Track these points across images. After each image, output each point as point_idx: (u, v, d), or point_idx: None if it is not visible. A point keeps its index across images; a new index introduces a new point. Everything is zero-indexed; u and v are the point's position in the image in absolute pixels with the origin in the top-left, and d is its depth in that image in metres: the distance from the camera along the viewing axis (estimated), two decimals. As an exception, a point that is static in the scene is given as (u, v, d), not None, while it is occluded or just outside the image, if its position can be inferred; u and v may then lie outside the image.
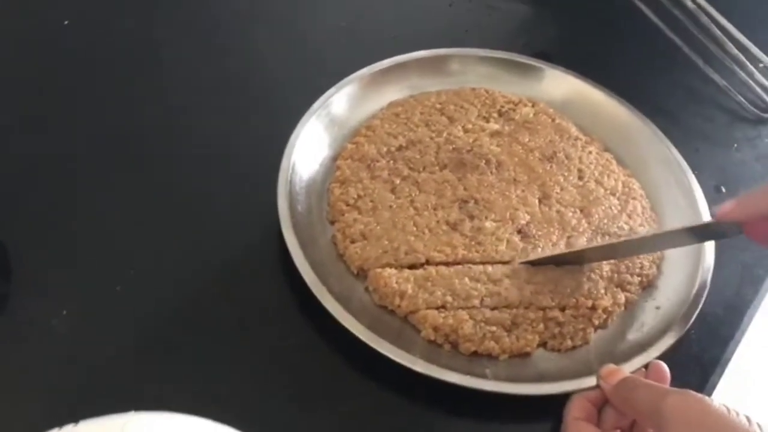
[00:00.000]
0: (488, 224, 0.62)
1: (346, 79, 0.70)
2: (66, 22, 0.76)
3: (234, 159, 0.67)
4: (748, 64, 0.81)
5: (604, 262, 0.61)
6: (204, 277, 0.59)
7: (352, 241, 0.60)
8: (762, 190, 0.52)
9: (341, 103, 0.69)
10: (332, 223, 0.63)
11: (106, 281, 0.58)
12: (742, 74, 0.81)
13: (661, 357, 0.55)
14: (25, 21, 0.76)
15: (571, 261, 0.60)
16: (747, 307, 0.63)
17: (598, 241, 0.62)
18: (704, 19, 0.83)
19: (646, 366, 0.54)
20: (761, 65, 0.82)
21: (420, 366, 0.52)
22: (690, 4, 0.84)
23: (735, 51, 0.82)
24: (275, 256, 0.59)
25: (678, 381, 0.53)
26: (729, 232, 0.54)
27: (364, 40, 0.80)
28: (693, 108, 0.80)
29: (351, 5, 0.84)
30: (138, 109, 0.70)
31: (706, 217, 0.64)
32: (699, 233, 0.58)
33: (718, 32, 0.82)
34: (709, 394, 0.58)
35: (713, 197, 0.69)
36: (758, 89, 0.81)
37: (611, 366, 0.51)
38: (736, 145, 0.77)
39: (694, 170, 0.69)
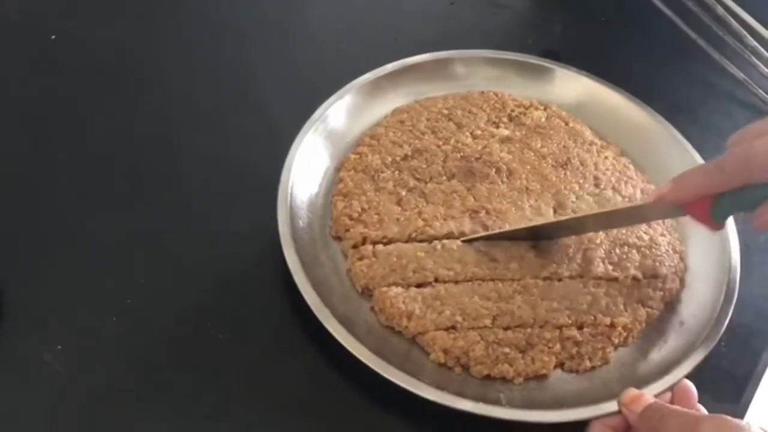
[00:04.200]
0: (504, 241, 0.59)
1: (346, 87, 0.67)
2: (53, 37, 0.73)
3: (232, 176, 0.64)
4: (767, 55, 0.78)
5: (623, 275, 0.58)
6: (203, 302, 0.57)
7: (360, 258, 0.58)
8: (695, 171, 0.52)
9: (342, 112, 0.66)
10: (336, 238, 0.60)
11: (101, 312, 0.55)
12: (762, 66, 0.78)
13: (689, 375, 0.52)
14: (12, 37, 0.74)
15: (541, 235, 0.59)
16: (779, 316, 0.60)
17: (617, 253, 0.59)
18: (720, 10, 0.80)
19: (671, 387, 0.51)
20: (780, 55, 0.79)
21: (429, 393, 0.50)
22: (705, -5, 0.80)
23: (753, 42, 0.79)
24: (277, 276, 0.57)
25: (710, 399, 0.50)
26: (672, 212, 0.54)
27: (363, 44, 0.77)
28: (711, 104, 0.77)
29: (348, 7, 0.82)
30: (129, 129, 0.67)
31: (729, 222, 0.61)
32: (647, 213, 0.57)
33: (735, 23, 0.79)
34: (744, 411, 0.55)
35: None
36: (779, 82, 0.78)
37: (633, 391, 0.48)
38: (757, 141, 0.73)
39: (714, 171, 0.66)
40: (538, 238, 0.59)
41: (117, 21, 0.76)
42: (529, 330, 0.54)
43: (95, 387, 0.52)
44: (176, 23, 0.78)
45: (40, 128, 0.67)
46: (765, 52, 0.78)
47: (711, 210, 0.51)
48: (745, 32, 0.79)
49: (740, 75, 0.77)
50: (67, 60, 0.72)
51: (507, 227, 0.59)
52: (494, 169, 0.63)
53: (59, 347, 0.53)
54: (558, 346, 0.54)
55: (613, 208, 0.60)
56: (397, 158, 0.64)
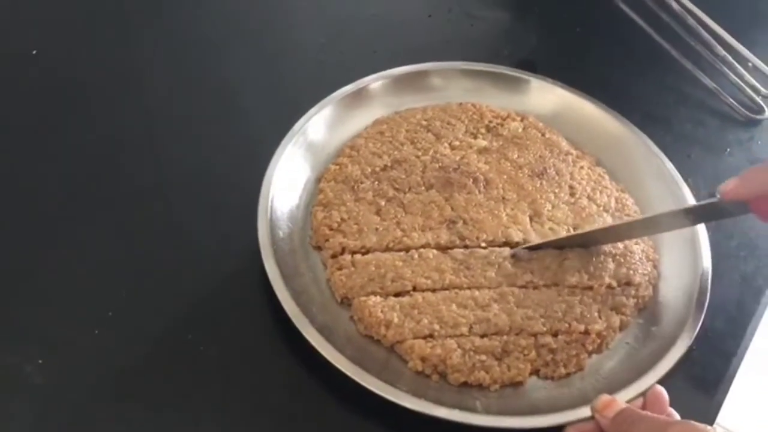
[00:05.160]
0: (481, 249, 0.60)
1: (326, 99, 0.68)
2: (34, 52, 0.73)
3: (213, 187, 0.65)
4: (737, 65, 0.80)
5: (597, 284, 0.59)
6: (184, 313, 0.57)
7: (339, 268, 0.58)
8: (761, 167, 0.52)
9: (323, 124, 0.67)
10: (316, 248, 0.61)
11: (82, 325, 0.55)
12: (732, 76, 0.80)
13: (661, 380, 0.53)
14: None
15: (575, 244, 0.60)
16: (749, 319, 0.62)
17: (592, 261, 0.60)
18: (691, 21, 0.82)
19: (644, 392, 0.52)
20: (750, 65, 0.81)
21: (407, 401, 0.51)
22: (676, 6, 0.82)
23: (723, 52, 0.80)
24: (257, 286, 0.57)
25: (682, 402, 0.51)
26: (735, 210, 0.53)
27: (343, 56, 0.78)
28: (683, 113, 0.78)
29: (329, 21, 0.82)
30: (111, 141, 0.68)
31: (701, 230, 0.62)
32: (704, 213, 0.57)
33: (705, 34, 0.81)
34: (715, 414, 0.56)
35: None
36: (749, 90, 0.79)
37: (606, 397, 0.49)
38: (728, 149, 0.75)
39: (687, 177, 0.67)
40: (585, 245, 0.60)
41: (98, 35, 0.77)
42: (505, 337, 0.55)
43: (76, 399, 0.52)
44: (158, 36, 0.78)
45: (21, 141, 0.67)
46: (734, 62, 0.80)
47: None
48: (715, 42, 0.80)
49: (711, 84, 0.79)
50: (48, 74, 0.72)
51: (484, 236, 0.60)
52: (472, 179, 0.64)
53: (40, 361, 0.53)
54: (533, 354, 0.55)
55: (669, 210, 0.61)
56: (377, 169, 0.65)
